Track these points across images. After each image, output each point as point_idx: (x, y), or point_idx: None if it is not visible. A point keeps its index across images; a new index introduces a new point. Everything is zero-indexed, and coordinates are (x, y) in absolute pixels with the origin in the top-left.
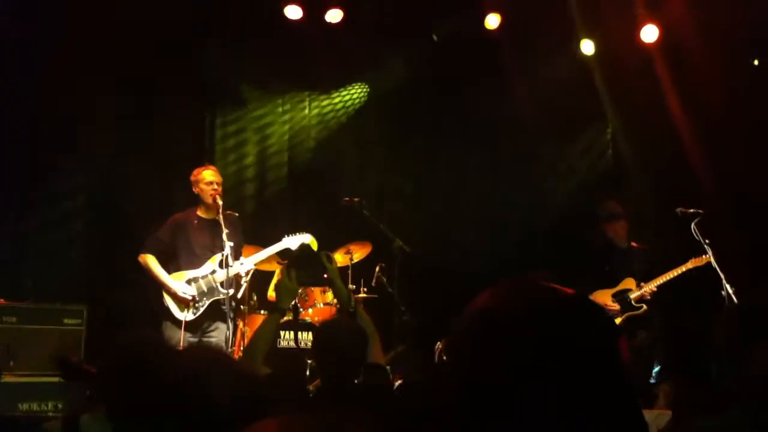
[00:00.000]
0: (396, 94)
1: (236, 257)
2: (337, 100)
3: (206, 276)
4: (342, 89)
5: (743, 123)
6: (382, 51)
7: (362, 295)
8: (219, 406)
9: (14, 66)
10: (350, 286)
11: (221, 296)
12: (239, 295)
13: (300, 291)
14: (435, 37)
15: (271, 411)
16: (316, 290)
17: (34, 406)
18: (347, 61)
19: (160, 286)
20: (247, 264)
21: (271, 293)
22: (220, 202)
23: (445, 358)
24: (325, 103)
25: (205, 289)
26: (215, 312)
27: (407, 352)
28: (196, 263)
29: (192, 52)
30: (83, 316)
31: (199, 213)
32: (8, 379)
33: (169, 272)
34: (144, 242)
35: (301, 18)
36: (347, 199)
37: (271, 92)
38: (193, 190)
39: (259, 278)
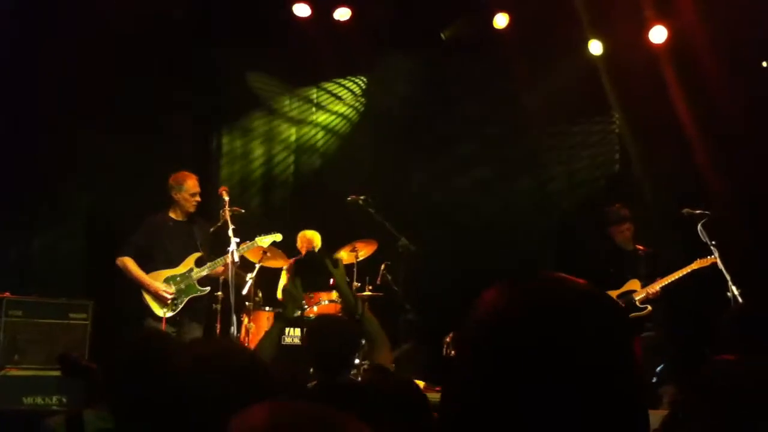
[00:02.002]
0: (402, 92)
1: (207, 259)
2: (344, 97)
3: (184, 275)
4: (349, 88)
5: (751, 124)
6: (389, 49)
7: (367, 293)
8: (222, 398)
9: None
10: (355, 283)
11: (198, 294)
12: (244, 292)
13: None
14: (443, 36)
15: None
16: None
17: (39, 401)
18: (355, 60)
19: (139, 286)
20: (217, 264)
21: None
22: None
23: (452, 352)
24: (331, 100)
25: (183, 287)
26: (193, 311)
27: (412, 350)
28: (173, 263)
29: (196, 52)
30: (89, 311)
31: (172, 215)
32: (13, 372)
33: (146, 273)
34: (121, 245)
35: (309, 16)
36: (353, 196)
37: (277, 91)
38: (171, 194)
39: (265, 275)
